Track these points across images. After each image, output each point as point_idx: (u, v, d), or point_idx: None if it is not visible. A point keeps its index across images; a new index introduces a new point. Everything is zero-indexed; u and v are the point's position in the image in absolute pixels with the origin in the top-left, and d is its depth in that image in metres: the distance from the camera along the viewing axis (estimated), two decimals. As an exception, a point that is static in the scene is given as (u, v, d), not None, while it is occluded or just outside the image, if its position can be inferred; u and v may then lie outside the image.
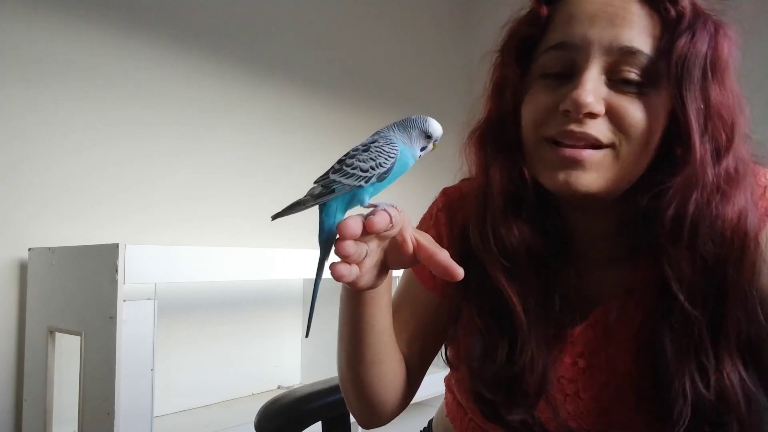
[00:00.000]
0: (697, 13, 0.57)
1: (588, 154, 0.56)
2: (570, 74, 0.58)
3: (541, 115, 0.59)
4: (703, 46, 0.55)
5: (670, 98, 0.56)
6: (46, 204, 1.32)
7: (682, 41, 0.55)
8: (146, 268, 1.09)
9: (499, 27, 0.66)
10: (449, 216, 0.74)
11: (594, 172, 0.57)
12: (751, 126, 0.59)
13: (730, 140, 0.57)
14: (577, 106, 0.55)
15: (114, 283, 1.04)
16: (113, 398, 1.03)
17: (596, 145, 0.57)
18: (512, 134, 0.64)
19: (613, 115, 0.56)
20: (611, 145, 0.57)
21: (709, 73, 0.56)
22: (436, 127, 0.57)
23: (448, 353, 0.71)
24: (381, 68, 2.21)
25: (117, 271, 1.04)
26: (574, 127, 0.56)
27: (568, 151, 0.57)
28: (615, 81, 0.57)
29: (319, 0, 1.96)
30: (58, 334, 1.21)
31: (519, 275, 0.62)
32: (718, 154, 0.57)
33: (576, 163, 0.57)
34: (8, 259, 1.27)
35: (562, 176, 0.57)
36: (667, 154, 0.58)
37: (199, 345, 1.57)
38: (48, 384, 1.20)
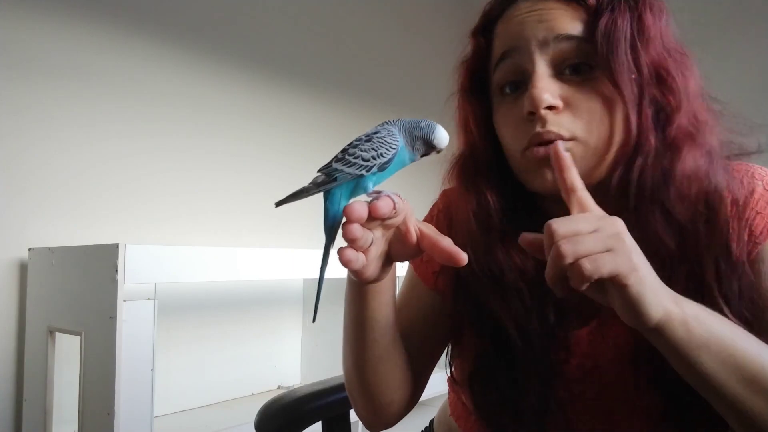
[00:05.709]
0: None
1: (560, 145, 0.57)
2: (523, 81, 0.61)
3: (512, 130, 0.62)
4: (624, 19, 0.58)
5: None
6: (46, 204, 1.32)
7: (604, 20, 0.58)
8: (146, 268, 1.09)
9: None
10: (448, 217, 0.74)
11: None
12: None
13: (678, 100, 0.58)
14: (535, 102, 0.58)
15: (114, 283, 1.04)
16: (113, 398, 1.03)
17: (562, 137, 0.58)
18: (484, 163, 0.66)
19: (570, 108, 0.59)
20: (574, 138, 0.58)
21: (638, 42, 0.58)
22: (442, 138, 0.57)
23: (452, 370, 0.72)
24: (381, 66, 2.21)
25: (117, 271, 1.04)
26: (539, 129, 0.58)
27: (543, 150, 0.58)
28: (562, 72, 0.59)
29: None
30: (58, 334, 1.21)
31: (515, 298, 0.62)
32: (666, 116, 0.58)
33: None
34: (8, 259, 1.27)
35: (549, 175, 0.58)
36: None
37: (199, 345, 1.57)
38: (48, 384, 1.20)
